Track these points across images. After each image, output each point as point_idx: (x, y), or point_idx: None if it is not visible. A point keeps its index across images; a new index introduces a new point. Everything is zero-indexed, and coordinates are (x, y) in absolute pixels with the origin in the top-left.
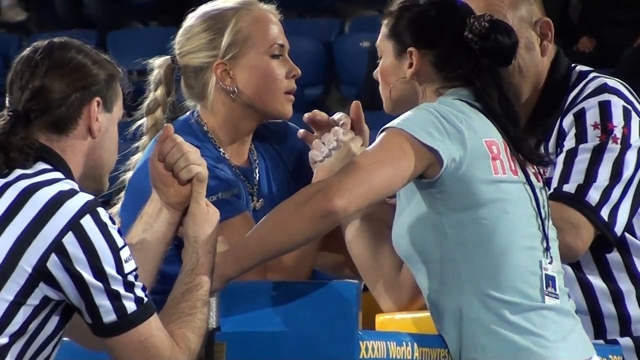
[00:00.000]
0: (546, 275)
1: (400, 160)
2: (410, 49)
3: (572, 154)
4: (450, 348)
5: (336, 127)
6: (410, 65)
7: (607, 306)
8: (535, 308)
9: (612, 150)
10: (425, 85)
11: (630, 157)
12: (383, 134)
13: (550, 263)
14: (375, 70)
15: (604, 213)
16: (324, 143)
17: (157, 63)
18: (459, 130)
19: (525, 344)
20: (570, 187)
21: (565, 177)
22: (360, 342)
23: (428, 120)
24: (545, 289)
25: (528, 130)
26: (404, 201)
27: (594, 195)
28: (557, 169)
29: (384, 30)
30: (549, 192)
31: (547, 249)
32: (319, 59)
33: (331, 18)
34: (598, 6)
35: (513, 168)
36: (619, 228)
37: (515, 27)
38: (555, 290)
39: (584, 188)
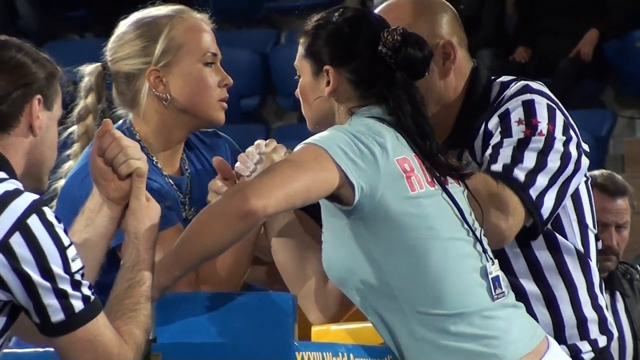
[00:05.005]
0: (492, 279)
1: (318, 171)
2: (327, 67)
3: (497, 146)
4: None
5: (258, 141)
6: (328, 83)
7: (542, 312)
8: (481, 311)
9: (537, 142)
10: (341, 103)
11: (556, 149)
12: (302, 145)
13: (493, 264)
14: (297, 90)
15: (532, 193)
16: (248, 157)
17: (88, 70)
18: (372, 153)
19: (476, 349)
20: (497, 167)
21: (492, 161)
22: (297, 353)
23: (344, 141)
24: (494, 292)
25: (450, 145)
26: (328, 229)
27: (519, 175)
28: (484, 163)
29: (300, 49)
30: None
31: (484, 250)
32: (255, 70)
33: (267, 29)
34: (534, 16)
35: (429, 180)
36: (545, 211)
37: None
38: (502, 288)
39: (510, 167)
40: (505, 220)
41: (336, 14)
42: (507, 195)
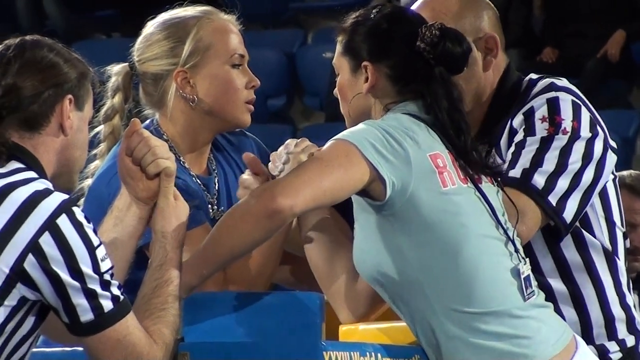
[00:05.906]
0: (524, 278)
1: (347, 168)
2: (365, 63)
3: (520, 145)
4: None
5: (288, 140)
6: (366, 79)
7: (569, 310)
8: (512, 310)
9: (560, 139)
10: (378, 99)
11: (579, 148)
12: (331, 142)
13: (524, 264)
14: (335, 89)
15: (552, 199)
16: (277, 157)
17: (115, 70)
18: (403, 147)
19: (506, 349)
20: (515, 172)
21: (512, 165)
22: (324, 353)
23: (374, 135)
24: (525, 292)
25: (478, 141)
26: (360, 225)
27: (539, 180)
28: (506, 161)
29: (338, 47)
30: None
31: (516, 250)
32: (282, 70)
33: (294, 29)
34: (561, 18)
35: (462, 177)
36: (568, 215)
37: None
38: (532, 287)
39: (529, 172)
40: (520, 226)
41: (374, 10)
42: (525, 203)
